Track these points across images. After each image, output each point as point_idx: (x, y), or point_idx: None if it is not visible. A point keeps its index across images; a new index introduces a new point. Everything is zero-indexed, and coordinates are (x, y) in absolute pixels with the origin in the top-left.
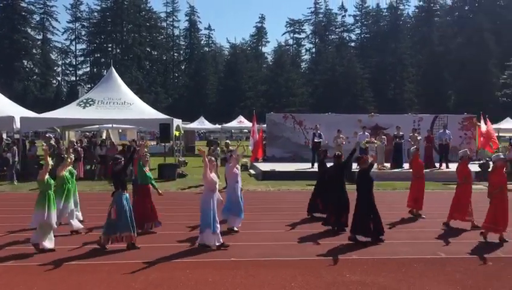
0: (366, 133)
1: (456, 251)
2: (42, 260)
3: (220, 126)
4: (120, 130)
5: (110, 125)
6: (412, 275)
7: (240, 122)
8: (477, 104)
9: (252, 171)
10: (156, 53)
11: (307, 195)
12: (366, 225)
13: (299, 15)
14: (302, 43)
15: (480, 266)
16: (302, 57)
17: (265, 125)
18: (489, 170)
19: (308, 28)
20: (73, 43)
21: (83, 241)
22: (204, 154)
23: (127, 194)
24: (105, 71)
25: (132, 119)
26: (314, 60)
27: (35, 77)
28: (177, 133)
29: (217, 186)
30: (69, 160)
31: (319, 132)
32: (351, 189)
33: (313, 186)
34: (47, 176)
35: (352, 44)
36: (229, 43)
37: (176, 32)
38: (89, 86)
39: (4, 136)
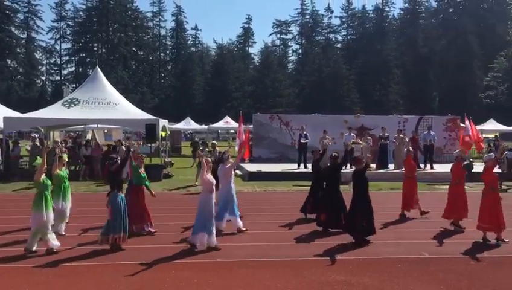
0: (352, 134)
1: (440, 251)
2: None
3: (206, 127)
4: (105, 131)
5: (95, 126)
6: (396, 275)
7: (227, 122)
8: (461, 106)
9: (238, 172)
10: (142, 53)
11: (293, 195)
12: (361, 224)
13: (285, 16)
14: (289, 44)
15: (463, 266)
16: (289, 58)
17: (251, 126)
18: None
19: (294, 29)
20: (58, 42)
21: (76, 242)
22: (203, 157)
23: (123, 195)
24: (90, 71)
25: (118, 119)
26: (301, 61)
27: (19, 76)
28: (163, 134)
29: (214, 187)
30: (65, 159)
31: (305, 132)
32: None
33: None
34: (43, 176)
35: (339, 45)
36: (216, 43)
37: (163, 32)
38: (74, 85)
39: None
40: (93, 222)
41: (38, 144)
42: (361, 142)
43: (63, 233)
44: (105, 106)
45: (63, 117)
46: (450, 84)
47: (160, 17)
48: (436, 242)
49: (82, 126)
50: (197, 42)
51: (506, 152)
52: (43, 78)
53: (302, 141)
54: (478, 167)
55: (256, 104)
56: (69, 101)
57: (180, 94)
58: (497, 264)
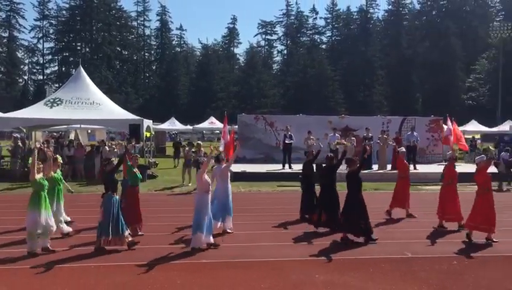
0: (337, 135)
1: (422, 251)
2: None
3: (191, 127)
4: (89, 131)
5: (79, 126)
6: (379, 275)
7: (212, 123)
8: (444, 107)
9: None
10: (126, 53)
11: (277, 196)
12: (357, 224)
13: (271, 17)
14: (274, 44)
15: (446, 265)
16: (274, 59)
17: (236, 127)
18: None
19: (279, 30)
20: (41, 41)
21: (70, 243)
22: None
23: (117, 197)
24: (73, 70)
25: (101, 119)
26: (286, 61)
27: (0, 75)
28: (147, 134)
29: (211, 187)
30: (59, 161)
31: (289, 133)
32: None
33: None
34: (39, 176)
35: (323, 46)
36: (201, 43)
37: (147, 32)
38: (57, 85)
39: None
40: (81, 223)
41: (20, 145)
42: (345, 142)
43: (60, 235)
44: (88, 105)
45: (45, 117)
46: (433, 86)
47: (145, 16)
48: (420, 242)
49: (65, 126)
50: (182, 42)
51: (502, 153)
52: (25, 77)
53: (286, 141)
54: (463, 168)
55: (241, 104)
56: (52, 100)
57: (164, 94)
58: (480, 263)
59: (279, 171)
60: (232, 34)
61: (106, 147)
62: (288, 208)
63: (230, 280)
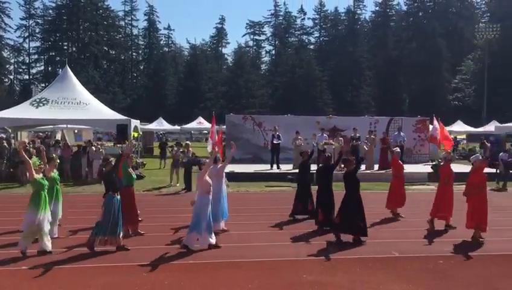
0: (325, 135)
1: (409, 250)
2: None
3: (179, 127)
4: (75, 131)
5: (65, 126)
6: (366, 274)
7: (200, 123)
8: (431, 107)
9: None
10: (113, 52)
11: (265, 196)
12: (355, 223)
13: (259, 17)
14: (262, 45)
15: (432, 265)
16: (262, 59)
17: (224, 127)
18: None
19: (268, 30)
20: (27, 40)
21: (67, 244)
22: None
23: (118, 197)
24: (60, 70)
25: (88, 119)
26: (274, 62)
27: None
28: (135, 134)
29: (211, 187)
30: (57, 161)
31: (277, 133)
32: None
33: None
34: (40, 176)
35: (311, 47)
36: (189, 43)
37: (135, 31)
38: (43, 85)
39: None
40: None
41: (5, 145)
42: (333, 143)
43: (56, 235)
44: (75, 105)
45: (31, 117)
46: (419, 86)
47: (132, 16)
48: (407, 241)
49: (51, 126)
50: (169, 42)
51: (501, 153)
52: (11, 77)
53: (274, 141)
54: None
55: (229, 104)
56: (38, 100)
57: (152, 94)
58: (467, 262)
59: (267, 171)
60: (220, 34)
61: (93, 148)
62: (280, 208)
63: (218, 280)
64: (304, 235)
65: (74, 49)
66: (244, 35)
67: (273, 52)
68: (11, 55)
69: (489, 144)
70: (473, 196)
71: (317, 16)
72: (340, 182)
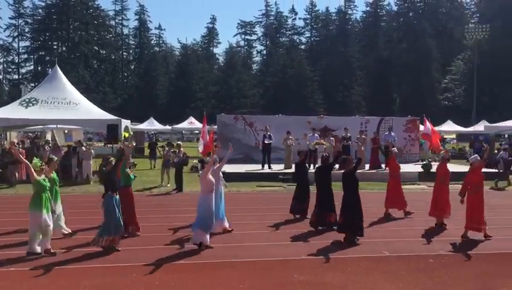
0: (316, 135)
1: (399, 249)
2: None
3: (170, 127)
4: (65, 131)
5: (55, 126)
6: (358, 274)
7: (191, 123)
8: (421, 107)
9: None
10: (104, 52)
11: (256, 196)
12: (355, 223)
13: (250, 17)
14: (253, 44)
15: (423, 264)
16: (253, 59)
17: (216, 127)
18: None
19: (259, 30)
20: (16, 40)
21: (67, 244)
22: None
23: (117, 197)
24: (49, 70)
25: (78, 119)
26: (265, 61)
27: None
28: (126, 134)
29: (214, 187)
30: (56, 162)
31: (269, 133)
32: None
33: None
34: (41, 177)
35: (303, 47)
36: (180, 43)
37: (125, 31)
38: (33, 84)
39: None
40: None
41: None
42: (324, 142)
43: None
44: (65, 105)
45: (20, 117)
46: (410, 86)
47: (123, 15)
48: (398, 241)
49: (41, 126)
50: (160, 42)
51: (501, 152)
52: (0, 76)
53: (266, 141)
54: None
55: (220, 104)
56: (27, 100)
57: (143, 94)
58: (457, 261)
59: (259, 171)
60: (211, 34)
61: (83, 148)
62: (271, 208)
63: (210, 280)
64: (299, 236)
65: (64, 48)
66: (235, 35)
67: (265, 52)
68: (0, 54)
69: (486, 145)
70: (470, 196)
71: (308, 16)
72: (338, 182)
